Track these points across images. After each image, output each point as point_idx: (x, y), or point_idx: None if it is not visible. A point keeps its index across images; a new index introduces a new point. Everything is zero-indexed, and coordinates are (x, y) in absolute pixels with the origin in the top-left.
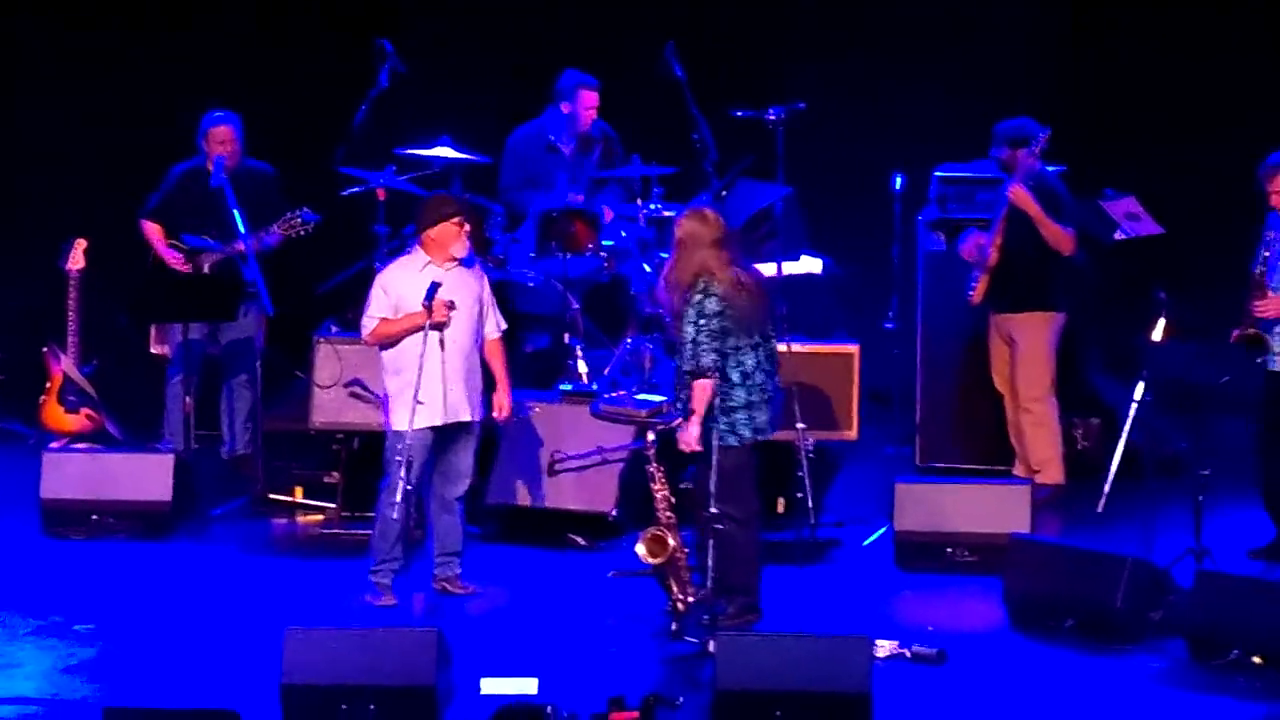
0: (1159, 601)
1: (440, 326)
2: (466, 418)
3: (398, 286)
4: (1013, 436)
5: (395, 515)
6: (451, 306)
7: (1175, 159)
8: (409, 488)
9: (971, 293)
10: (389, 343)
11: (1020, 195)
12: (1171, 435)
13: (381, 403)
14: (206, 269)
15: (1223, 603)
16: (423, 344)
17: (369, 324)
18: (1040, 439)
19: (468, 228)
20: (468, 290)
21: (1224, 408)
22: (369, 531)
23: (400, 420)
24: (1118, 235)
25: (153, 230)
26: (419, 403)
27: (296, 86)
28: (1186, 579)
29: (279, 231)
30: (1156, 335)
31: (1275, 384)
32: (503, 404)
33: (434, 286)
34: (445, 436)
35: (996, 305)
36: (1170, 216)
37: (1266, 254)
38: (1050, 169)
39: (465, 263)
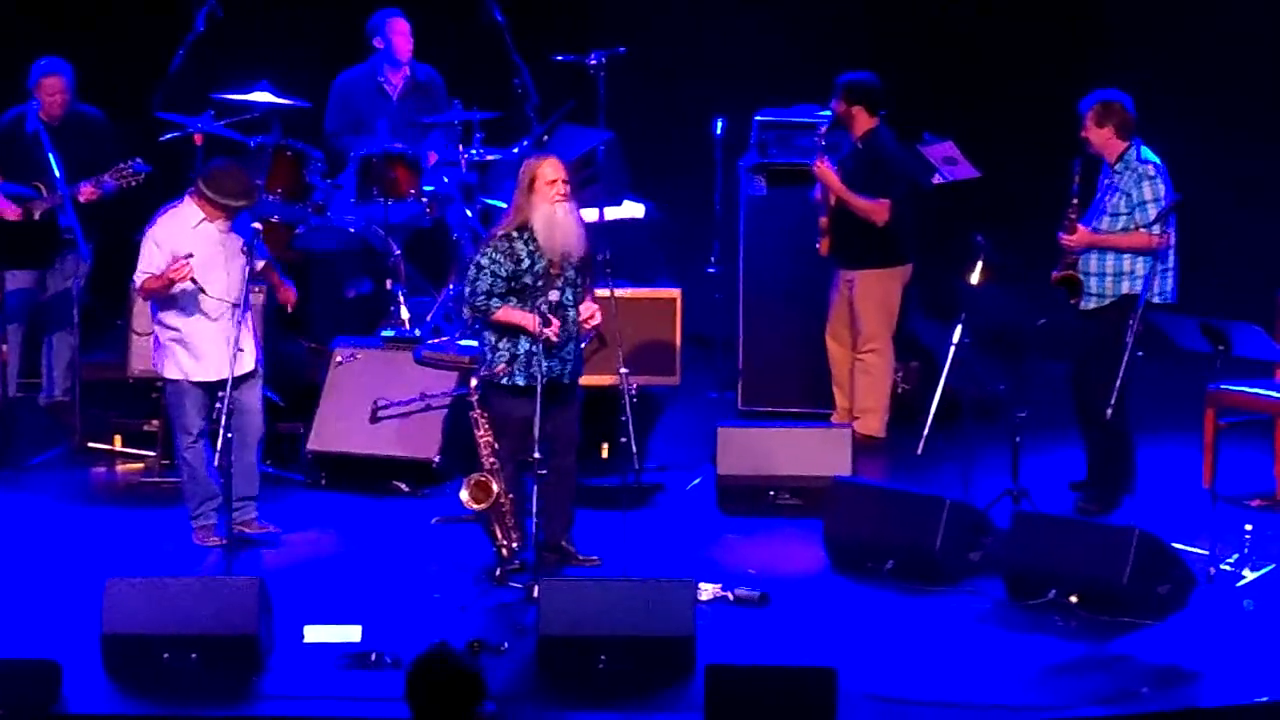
0: (977, 542)
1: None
2: (246, 369)
3: (172, 242)
4: (836, 389)
5: (217, 462)
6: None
7: (991, 102)
8: (230, 435)
9: (819, 244)
10: (162, 297)
11: (822, 172)
12: (989, 378)
13: (155, 351)
14: (37, 216)
15: (1039, 543)
16: (242, 294)
17: (140, 279)
18: (866, 388)
19: (230, 219)
20: (236, 240)
21: (1040, 350)
22: None
23: (173, 369)
24: (936, 179)
25: None
26: (239, 349)
27: (112, 30)
28: (1004, 520)
29: (111, 181)
30: (974, 279)
31: (1087, 323)
32: (287, 296)
33: (253, 234)
34: (233, 383)
35: (838, 260)
36: (987, 160)
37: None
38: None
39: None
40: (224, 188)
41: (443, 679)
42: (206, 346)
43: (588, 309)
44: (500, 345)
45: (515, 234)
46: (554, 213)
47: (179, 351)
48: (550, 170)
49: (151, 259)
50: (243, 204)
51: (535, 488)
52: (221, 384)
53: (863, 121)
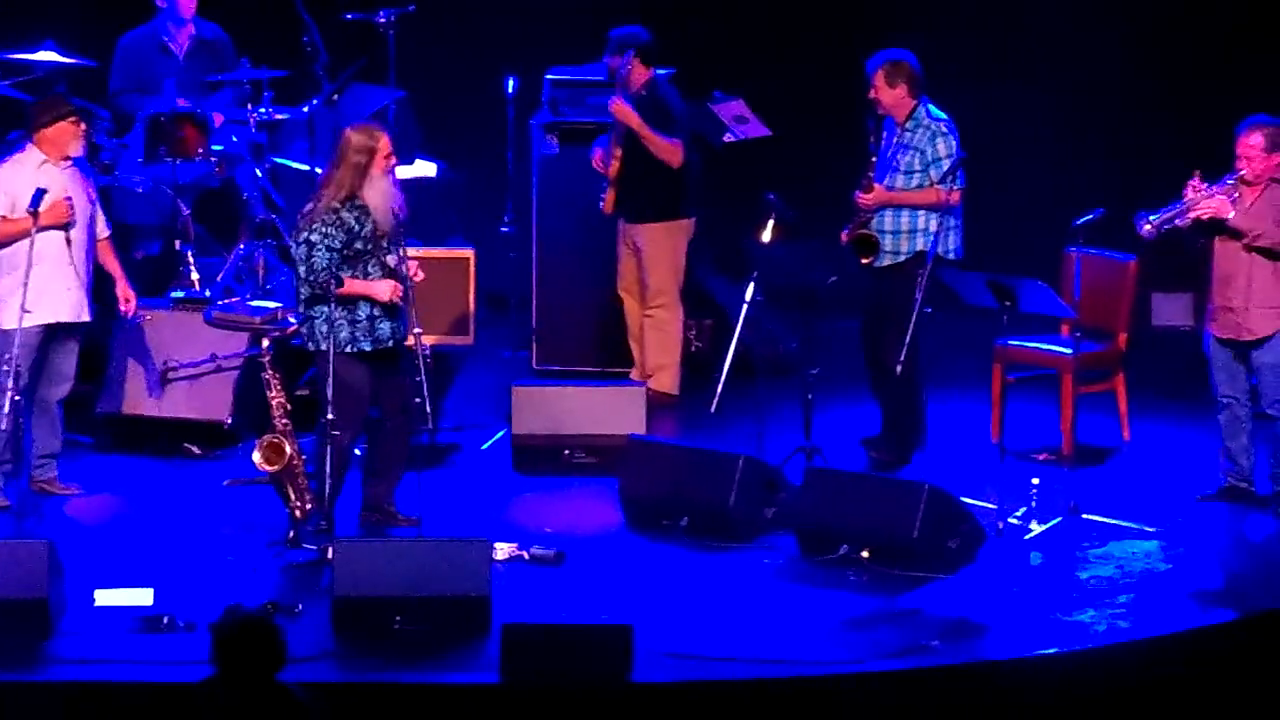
0: (771, 499)
1: (67, 226)
2: (85, 317)
3: (14, 185)
4: (632, 343)
5: (4, 426)
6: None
7: (782, 61)
8: (18, 399)
9: (602, 203)
10: (6, 241)
11: (620, 109)
12: (781, 335)
13: None
14: None
15: (832, 499)
16: (29, 248)
17: None
18: (657, 344)
19: (84, 126)
20: (83, 190)
21: (832, 307)
22: None
23: (9, 319)
24: (727, 138)
25: None
26: (26, 310)
27: None
28: (797, 477)
29: None
30: (766, 236)
31: (880, 280)
32: (128, 295)
33: (39, 193)
34: (53, 338)
35: (624, 214)
36: (777, 119)
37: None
38: (660, 72)
39: (77, 162)
40: (51, 109)
41: (253, 640)
42: (52, 292)
43: (413, 265)
44: (337, 316)
45: (340, 205)
46: (387, 186)
47: (17, 298)
48: (387, 146)
49: None
50: (67, 110)
51: (330, 449)
52: (62, 328)
53: (641, 73)
